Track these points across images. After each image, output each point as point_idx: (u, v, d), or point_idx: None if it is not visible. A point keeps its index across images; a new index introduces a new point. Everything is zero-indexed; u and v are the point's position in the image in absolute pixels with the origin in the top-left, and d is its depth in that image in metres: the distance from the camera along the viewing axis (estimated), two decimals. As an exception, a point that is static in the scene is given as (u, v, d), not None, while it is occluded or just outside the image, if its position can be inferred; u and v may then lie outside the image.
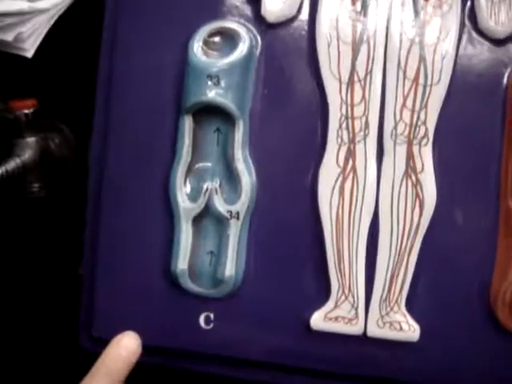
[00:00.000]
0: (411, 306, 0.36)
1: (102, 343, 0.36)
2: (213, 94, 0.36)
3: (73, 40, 0.44)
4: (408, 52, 0.36)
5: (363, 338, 0.36)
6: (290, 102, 0.37)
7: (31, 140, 0.42)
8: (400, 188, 0.36)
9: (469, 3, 0.36)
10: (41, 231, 0.46)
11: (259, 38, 0.37)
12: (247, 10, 0.37)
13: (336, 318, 0.36)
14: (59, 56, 0.44)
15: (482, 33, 0.36)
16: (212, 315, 0.37)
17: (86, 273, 0.39)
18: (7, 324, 0.46)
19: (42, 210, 0.45)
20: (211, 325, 0.37)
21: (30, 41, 0.37)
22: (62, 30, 0.41)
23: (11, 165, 0.40)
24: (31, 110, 0.42)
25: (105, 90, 0.39)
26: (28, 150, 0.42)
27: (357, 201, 0.36)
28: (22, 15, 0.36)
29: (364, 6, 0.36)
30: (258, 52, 0.37)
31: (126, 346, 0.35)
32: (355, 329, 0.36)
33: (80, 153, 0.44)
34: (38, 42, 0.37)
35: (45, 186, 0.43)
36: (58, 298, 0.46)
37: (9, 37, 0.36)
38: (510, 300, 0.35)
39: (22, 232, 0.46)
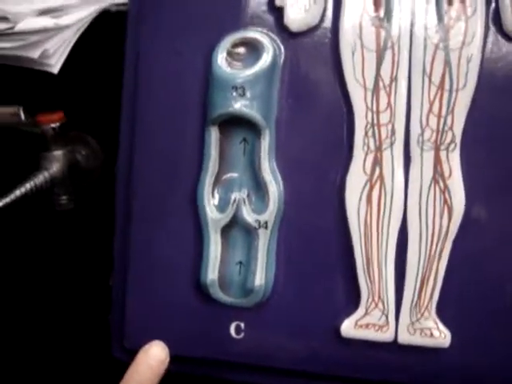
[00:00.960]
0: (442, 312, 0.36)
1: (135, 353, 0.36)
2: (238, 105, 0.36)
3: (98, 53, 0.44)
4: (433, 57, 0.36)
5: (394, 345, 0.36)
6: (315, 110, 0.37)
7: (58, 153, 0.43)
8: (428, 194, 0.36)
9: (493, 6, 0.36)
10: (70, 243, 0.47)
11: (283, 48, 0.37)
12: (270, 20, 0.37)
13: (366, 325, 0.36)
14: (85, 69, 0.44)
15: (507, 35, 0.36)
16: (242, 325, 0.37)
17: (116, 284, 0.40)
18: (41, 336, 0.47)
19: (70, 221, 0.46)
20: (242, 334, 0.37)
21: (55, 57, 0.37)
22: (86, 43, 0.42)
23: (39, 179, 0.41)
24: (58, 124, 0.43)
25: (130, 103, 0.39)
26: (56, 163, 0.42)
27: (385, 208, 0.36)
28: (46, 32, 0.37)
29: (387, 12, 0.36)
30: (281, 61, 0.37)
31: (154, 356, 0.36)
32: (386, 336, 0.36)
33: (108, 164, 0.44)
34: (63, 58, 0.38)
35: (73, 198, 0.44)
36: (90, 309, 0.47)
37: (34, 54, 0.36)
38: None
39: (52, 244, 0.47)
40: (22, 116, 0.41)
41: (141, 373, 0.35)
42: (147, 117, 0.39)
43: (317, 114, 0.37)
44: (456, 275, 0.36)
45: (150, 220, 0.39)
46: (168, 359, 0.36)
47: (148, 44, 0.39)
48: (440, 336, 0.36)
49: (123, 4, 0.40)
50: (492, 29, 0.36)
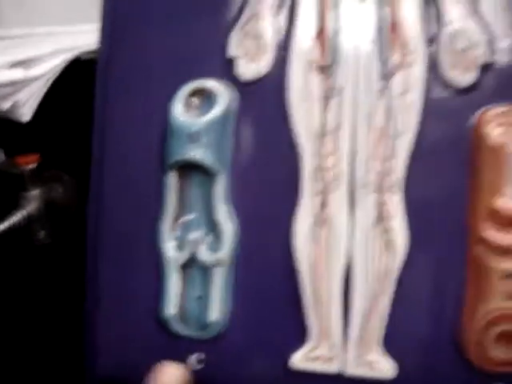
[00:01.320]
0: (388, 345, 0.38)
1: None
2: (193, 153, 0.38)
3: (71, 96, 0.47)
4: (376, 104, 0.38)
5: (342, 377, 0.38)
6: (267, 154, 0.39)
7: (35, 192, 0.45)
8: (372, 235, 0.38)
9: (433, 53, 0.38)
10: (48, 275, 0.49)
11: (236, 96, 0.39)
12: (224, 69, 0.39)
13: (315, 358, 0.38)
14: (59, 112, 0.47)
15: (446, 82, 0.38)
16: (201, 356, 0.40)
17: (88, 316, 0.42)
18: (16, 368, 0.50)
19: (47, 255, 0.49)
20: (201, 365, 0.40)
21: (26, 107, 0.40)
22: (59, 89, 0.44)
23: (18, 217, 0.43)
24: (35, 165, 0.45)
25: (99, 146, 0.42)
26: (33, 202, 0.45)
27: (332, 248, 0.38)
28: (17, 84, 0.40)
29: (333, 61, 0.38)
30: (236, 108, 0.40)
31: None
32: (333, 368, 0.38)
33: (83, 200, 0.47)
34: (34, 106, 0.41)
35: (50, 233, 0.47)
36: (64, 340, 0.49)
37: (5, 106, 0.39)
38: (478, 341, 0.36)
39: (31, 277, 0.50)
40: (2, 157, 0.44)
41: None
42: (114, 160, 0.41)
43: (268, 158, 0.39)
44: (400, 311, 0.38)
45: (117, 257, 0.41)
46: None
47: (114, 90, 0.41)
48: (385, 368, 0.38)
49: (93, 52, 0.43)
50: (433, 75, 0.38)
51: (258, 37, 0.39)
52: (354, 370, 0.38)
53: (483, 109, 0.37)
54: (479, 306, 0.36)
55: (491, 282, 0.36)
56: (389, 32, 0.38)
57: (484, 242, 0.36)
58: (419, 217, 0.38)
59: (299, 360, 0.39)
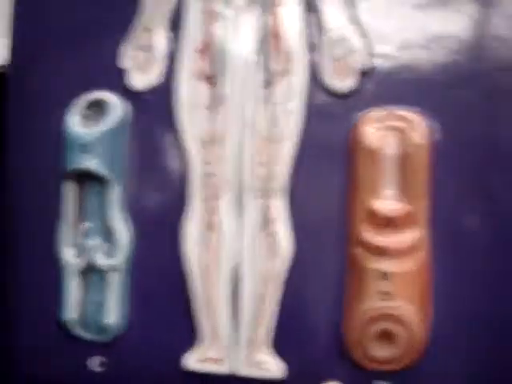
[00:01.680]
0: (277, 346, 0.39)
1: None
2: (86, 162, 0.40)
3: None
4: (259, 112, 0.39)
5: (233, 378, 0.39)
6: (159, 162, 0.40)
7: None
8: (259, 239, 0.39)
9: (314, 60, 0.39)
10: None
11: (129, 106, 0.41)
12: (117, 81, 0.41)
13: (207, 360, 0.39)
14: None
15: (327, 88, 0.39)
16: (101, 359, 0.41)
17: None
18: None
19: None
20: (101, 368, 0.41)
21: None
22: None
23: None
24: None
25: (9, 153, 0.43)
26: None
27: (221, 252, 0.39)
28: None
29: (219, 70, 0.39)
30: (129, 118, 0.41)
31: None
32: (224, 369, 0.39)
33: None
34: None
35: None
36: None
37: None
38: (358, 340, 0.37)
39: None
40: None
41: None
42: (21, 168, 0.43)
43: (160, 167, 0.40)
44: (288, 312, 0.39)
45: (23, 261, 0.43)
46: None
47: (19, 104, 0.43)
48: (275, 369, 0.39)
49: (1, 66, 0.44)
50: (314, 82, 0.39)
51: (148, 49, 0.40)
52: (244, 370, 0.39)
53: (362, 113, 0.38)
54: (358, 306, 0.37)
55: (368, 282, 0.37)
56: (271, 41, 0.39)
57: (361, 243, 0.37)
58: (303, 220, 0.39)
59: (191, 361, 0.40)
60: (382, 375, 0.38)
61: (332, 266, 0.38)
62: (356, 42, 0.38)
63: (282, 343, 0.39)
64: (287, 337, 0.39)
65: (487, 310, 0.37)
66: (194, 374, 0.40)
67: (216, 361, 0.39)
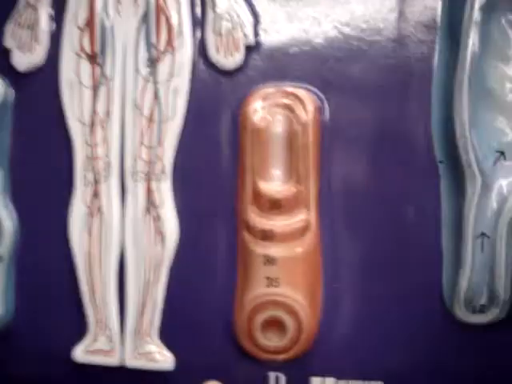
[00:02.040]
0: (165, 336, 0.37)
1: None
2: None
3: None
4: (143, 91, 0.37)
5: (124, 370, 0.38)
6: (44, 146, 0.38)
7: None
8: (143, 224, 0.37)
9: (199, 37, 0.37)
10: None
11: (13, 87, 0.39)
12: (0, 60, 0.39)
13: (95, 351, 0.38)
14: None
15: (213, 65, 0.37)
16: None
17: None
18: None
19: None
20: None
21: None
22: None
23: None
24: None
25: None
26: None
27: (105, 239, 0.37)
28: None
29: (101, 49, 0.37)
30: (12, 100, 0.39)
31: None
32: (113, 360, 0.37)
33: None
34: None
35: None
36: None
37: None
38: (247, 329, 0.35)
39: None
40: None
41: None
42: None
43: (44, 150, 0.38)
44: (176, 301, 0.37)
45: None
46: None
47: None
48: (163, 360, 0.37)
49: None
50: (199, 59, 0.37)
51: (31, 27, 0.39)
52: (132, 362, 0.37)
53: (249, 90, 0.36)
54: (245, 294, 0.35)
55: (254, 268, 0.35)
56: (155, 16, 0.37)
57: (247, 226, 0.35)
58: (190, 204, 0.37)
59: (80, 353, 0.38)
60: (276, 366, 0.37)
61: (222, 252, 0.37)
62: (242, 16, 0.36)
63: (171, 333, 0.37)
64: (176, 326, 0.37)
65: (380, 295, 0.36)
66: (84, 366, 0.38)
67: (105, 352, 0.38)
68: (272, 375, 0.36)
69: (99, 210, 0.37)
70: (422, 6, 0.36)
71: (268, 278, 0.35)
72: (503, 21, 0.35)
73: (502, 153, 0.34)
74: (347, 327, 0.36)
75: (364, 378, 0.36)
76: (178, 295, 0.37)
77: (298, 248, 0.35)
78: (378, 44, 0.36)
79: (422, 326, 0.35)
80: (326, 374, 0.36)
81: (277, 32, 0.36)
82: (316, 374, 0.36)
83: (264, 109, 0.35)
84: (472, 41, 0.34)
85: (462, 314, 0.35)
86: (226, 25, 0.36)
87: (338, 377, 0.36)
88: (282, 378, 0.36)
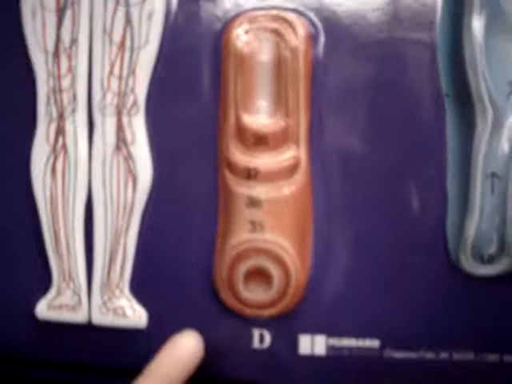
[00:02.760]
0: (136, 289, 0.33)
1: None
2: None
3: None
4: (113, 15, 0.33)
5: (89, 326, 0.34)
6: (3, 79, 0.34)
7: None
8: (112, 163, 0.33)
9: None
10: None
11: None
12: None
13: (60, 306, 0.34)
14: None
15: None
16: None
17: None
18: None
19: None
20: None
21: None
22: None
23: None
24: None
25: None
26: None
27: (70, 181, 0.33)
28: None
29: (67, -31, 0.33)
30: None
31: (183, 346, 0.31)
32: (79, 317, 0.33)
33: None
34: None
35: None
36: None
37: None
38: (228, 281, 0.32)
39: None
40: None
41: (167, 365, 0.31)
42: None
43: (6, 85, 0.34)
44: (149, 251, 0.33)
45: None
46: (201, 352, 0.32)
47: None
48: (134, 315, 0.33)
49: None
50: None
51: None
52: (100, 318, 0.34)
53: (233, 13, 0.32)
54: (227, 240, 0.31)
55: (236, 211, 0.31)
56: None
57: (228, 164, 0.31)
58: (166, 141, 0.33)
59: (44, 309, 0.34)
60: (261, 322, 0.33)
61: (201, 194, 0.33)
62: None
63: (143, 286, 0.33)
64: (149, 278, 0.33)
65: (377, 245, 0.32)
66: (48, 323, 0.34)
67: (70, 308, 0.34)
68: (256, 333, 0.33)
69: (63, 148, 0.33)
70: None
71: (252, 223, 0.31)
72: None
73: (516, 86, 0.31)
74: (340, 280, 0.32)
75: (358, 336, 0.33)
76: (151, 244, 0.33)
77: (286, 189, 0.31)
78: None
79: (425, 279, 0.31)
80: (316, 331, 0.32)
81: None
82: (305, 332, 0.33)
83: (249, 33, 0.31)
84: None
85: (469, 265, 0.31)
86: None
87: (329, 334, 0.33)
88: (267, 336, 0.33)
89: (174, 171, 0.33)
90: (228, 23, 0.32)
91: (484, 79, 0.30)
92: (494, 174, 0.30)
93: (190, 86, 0.33)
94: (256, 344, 0.33)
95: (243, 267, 0.31)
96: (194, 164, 0.33)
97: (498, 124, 0.30)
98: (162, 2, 0.32)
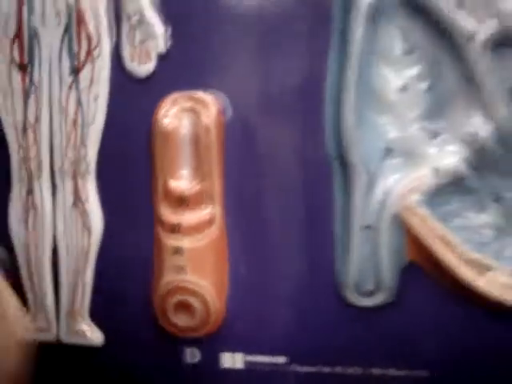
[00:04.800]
0: (95, 315, 0.42)
1: None
2: None
3: None
4: (67, 97, 0.40)
5: (59, 345, 0.42)
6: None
7: None
8: (71, 217, 0.41)
9: (116, 47, 0.40)
10: None
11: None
12: None
13: (35, 329, 0.42)
14: None
15: (128, 73, 0.40)
16: None
17: None
18: None
19: None
20: None
21: None
22: None
23: None
24: None
25: None
26: None
27: (39, 230, 0.42)
28: None
29: (29, 59, 0.41)
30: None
31: None
32: (50, 337, 0.42)
33: None
34: None
35: None
36: None
37: None
38: (162, 310, 0.40)
39: None
40: None
41: None
42: None
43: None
44: (103, 285, 0.41)
45: None
46: None
47: None
48: (93, 337, 0.42)
49: None
50: (117, 67, 0.40)
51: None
52: (66, 338, 0.42)
53: (161, 96, 0.39)
54: (159, 280, 0.39)
55: (165, 257, 0.39)
56: (75, 28, 0.40)
57: (160, 221, 0.39)
58: (113, 200, 0.41)
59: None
60: (192, 342, 0.41)
61: (142, 244, 0.41)
62: (155, 27, 0.40)
63: (99, 313, 0.42)
64: (103, 307, 0.42)
65: (281, 278, 0.39)
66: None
67: (43, 330, 0.42)
68: (188, 350, 0.41)
69: (33, 205, 0.42)
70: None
71: (177, 267, 0.39)
72: (389, 26, 0.37)
73: (390, 150, 0.37)
74: (254, 308, 0.40)
75: (269, 353, 0.40)
76: (104, 280, 0.41)
77: (204, 239, 0.39)
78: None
79: (317, 307, 0.39)
80: (236, 350, 0.41)
81: (187, 42, 0.39)
82: (227, 350, 0.41)
83: (172, 113, 0.39)
84: (359, 44, 0.36)
85: (353, 298, 0.38)
86: (139, 35, 0.40)
87: (247, 352, 0.40)
88: (197, 353, 0.41)
89: (121, 224, 0.41)
90: (157, 105, 0.39)
91: (357, 149, 0.37)
92: (368, 226, 0.37)
93: (130, 156, 0.40)
94: (188, 359, 0.41)
95: (172, 301, 0.39)
96: (136, 220, 0.41)
97: (371, 185, 0.37)
98: (105, 88, 0.40)
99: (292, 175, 0.38)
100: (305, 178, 0.39)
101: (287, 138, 0.38)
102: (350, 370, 0.39)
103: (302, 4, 0.38)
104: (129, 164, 0.40)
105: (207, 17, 0.39)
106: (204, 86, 0.39)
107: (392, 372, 0.39)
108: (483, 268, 0.36)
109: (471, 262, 0.36)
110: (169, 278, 0.39)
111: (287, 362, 0.40)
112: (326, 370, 0.40)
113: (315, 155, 0.38)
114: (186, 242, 0.39)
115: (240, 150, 0.39)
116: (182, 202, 0.39)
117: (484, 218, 0.37)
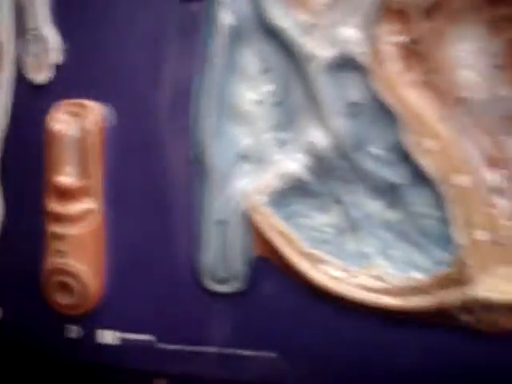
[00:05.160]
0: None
1: None
2: None
3: None
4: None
5: None
6: None
7: None
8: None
9: (18, 57, 0.46)
10: None
11: None
12: None
13: None
14: None
15: (28, 82, 0.46)
16: None
17: None
18: None
19: None
20: None
21: None
22: None
23: None
24: None
25: None
26: None
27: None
28: None
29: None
30: None
31: None
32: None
33: None
34: None
35: None
36: None
37: None
38: (48, 290, 0.45)
39: None
40: None
41: None
42: None
43: None
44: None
45: None
46: None
47: None
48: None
49: None
50: (19, 78, 0.46)
51: None
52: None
53: (55, 102, 0.45)
54: (45, 262, 0.45)
55: (50, 242, 0.44)
56: None
57: (47, 212, 0.45)
58: (16, 193, 0.47)
59: None
60: (70, 318, 0.46)
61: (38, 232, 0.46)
62: (50, 39, 0.45)
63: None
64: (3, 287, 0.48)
65: (147, 265, 0.45)
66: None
67: None
68: (69, 327, 0.46)
69: None
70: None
71: (59, 251, 0.44)
72: (248, 48, 0.43)
73: (243, 156, 0.43)
74: (126, 290, 0.45)
75: (141, 332, 0.45)
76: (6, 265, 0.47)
77: (84, 228, 0.44)
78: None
79: (180, 291, 0.44)
80: (111, 327, 0.46)
81: (80, 55, 0.45)
82: (104, 328, 0.46)
83: (60, 117, 0.44)
84: (220, 61, 0.42)
85: (209, 283, 0.44)
86: (36, 47, 0.45)
87: (122, 330, 0.46)
88: (77, 329, 0.46)
89: (19, 214, 0.47)
90: (51, 110, 0.45)
91: (212, 156, 0.42)
92: (220, 221, 0.42)
93: (29, 158, 0.46)
94: (69, 334, 0.46)
95: (54, 281, 0.45)
96: (33, 210, 0.46)
97: (223, 185, 0.42)
98: (7, 94, 0.46)
99: (163, 173, 0.44)
100: (174, 175, 0.44)
101: (160, 138, 0.44)
102: (208, 349, 0.45)
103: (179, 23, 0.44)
104: (28, 164, 0.46)
105: (100, 30, 0.45)
106: (92, 94, 0.45)
107: (245, 352, 0.44)
108: (316, 261, 0.42)
109: (306, 256, 0.42)
110: (52, 260, 0.45)
111: (155, 340, 0.45)
112: (188, 348, 0.45)
113: (184, 155, 0.44)
114: (67, 230, 0.44)
115: (118, 151, 0.45)
116: (65, 194, 0.44)
117: (326, 218, 0.43)
